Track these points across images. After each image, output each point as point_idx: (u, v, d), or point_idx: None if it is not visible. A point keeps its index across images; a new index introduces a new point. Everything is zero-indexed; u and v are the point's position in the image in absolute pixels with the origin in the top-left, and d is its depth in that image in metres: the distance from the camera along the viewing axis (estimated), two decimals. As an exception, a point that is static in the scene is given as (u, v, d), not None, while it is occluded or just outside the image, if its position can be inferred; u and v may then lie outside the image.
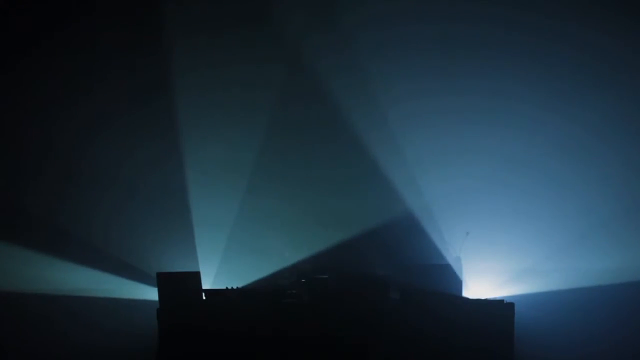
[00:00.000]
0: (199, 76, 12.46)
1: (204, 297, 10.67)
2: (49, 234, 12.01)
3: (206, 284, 11.38)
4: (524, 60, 12.31)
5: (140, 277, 11.94)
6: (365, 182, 12.54)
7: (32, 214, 12.05)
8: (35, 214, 12.06)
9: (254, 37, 12.47)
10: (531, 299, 11.77)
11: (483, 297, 11.52)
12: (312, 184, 12.55)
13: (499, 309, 10.42)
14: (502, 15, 12.21)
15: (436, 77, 12.39)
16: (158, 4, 12.26)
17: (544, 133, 12.30)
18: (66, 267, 11.88)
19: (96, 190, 12.32)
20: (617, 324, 11.48)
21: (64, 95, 12.27)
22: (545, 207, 12.29)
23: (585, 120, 12.22)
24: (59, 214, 12.15)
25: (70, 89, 12.27)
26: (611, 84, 12.19)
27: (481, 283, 12.02)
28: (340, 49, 12.46)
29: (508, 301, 10.49)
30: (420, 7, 12.31)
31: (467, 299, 11.03)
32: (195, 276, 10.69)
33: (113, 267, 12.02)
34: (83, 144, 12.32)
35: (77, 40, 12.23)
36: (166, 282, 10.53)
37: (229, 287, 10.93)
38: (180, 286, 10.53)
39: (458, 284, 11.31)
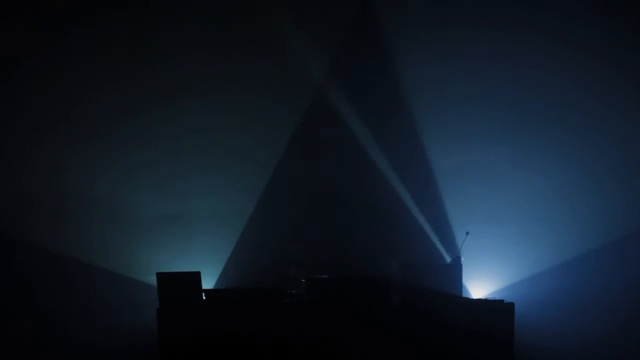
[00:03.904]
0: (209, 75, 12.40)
1: (204, 297, 10.69)
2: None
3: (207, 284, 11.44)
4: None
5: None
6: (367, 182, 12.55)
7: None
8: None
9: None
10: (532, 300, 11.76)
11: (483, 297, 11.54)
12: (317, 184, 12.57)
13: (499, 309, 10.44)
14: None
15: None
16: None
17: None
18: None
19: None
20: (617, 325, 11.46)
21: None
22: (555, 212, 12.21)
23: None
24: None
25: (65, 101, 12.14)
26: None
27: (482, 283, 12.01)
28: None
29: (508, 301, 10.52)
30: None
31: (467, 299, 11.03)
32: (195, 276, 10.69)
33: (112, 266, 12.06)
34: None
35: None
36: (166, 282, 10.55)
37: (229, 287, 10.96)
38: (180, 286, 10.55)
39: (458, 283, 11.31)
